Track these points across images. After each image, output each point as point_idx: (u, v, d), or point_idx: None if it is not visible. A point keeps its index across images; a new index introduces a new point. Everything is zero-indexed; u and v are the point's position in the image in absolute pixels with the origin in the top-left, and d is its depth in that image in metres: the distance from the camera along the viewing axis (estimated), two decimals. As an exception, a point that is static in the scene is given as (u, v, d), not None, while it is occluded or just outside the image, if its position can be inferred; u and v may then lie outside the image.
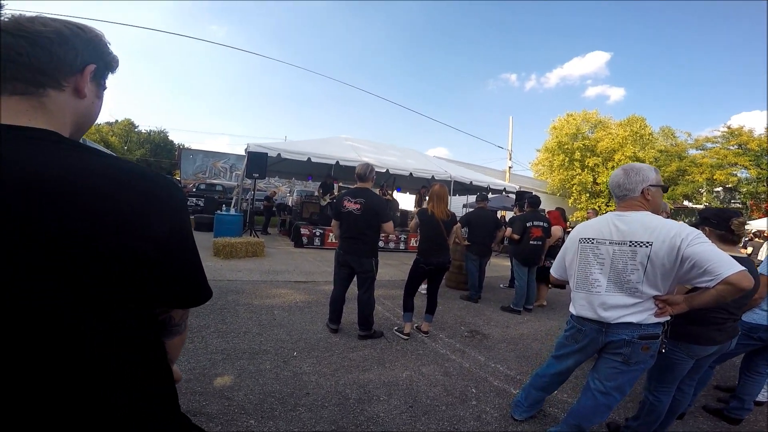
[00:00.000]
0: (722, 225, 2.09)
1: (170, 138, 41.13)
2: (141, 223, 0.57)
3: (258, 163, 8.74)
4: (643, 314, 1.76)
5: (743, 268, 1.51)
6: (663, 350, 1.84)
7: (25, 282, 0.50)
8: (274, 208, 13.56)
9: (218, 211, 8.77)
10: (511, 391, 2.79)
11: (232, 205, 10.28)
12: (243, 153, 9.88)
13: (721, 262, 1.53)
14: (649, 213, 1.81)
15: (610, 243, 1.84)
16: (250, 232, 8.87)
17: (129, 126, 37.77)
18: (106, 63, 0.69)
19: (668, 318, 1.79)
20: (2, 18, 0.60)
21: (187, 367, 2.60)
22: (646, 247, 1.71)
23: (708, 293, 1.60)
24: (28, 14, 0.61)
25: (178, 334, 0.76)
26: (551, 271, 2.24)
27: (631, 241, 1.77)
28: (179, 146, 34.57)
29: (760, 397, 2.79)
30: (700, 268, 1.57)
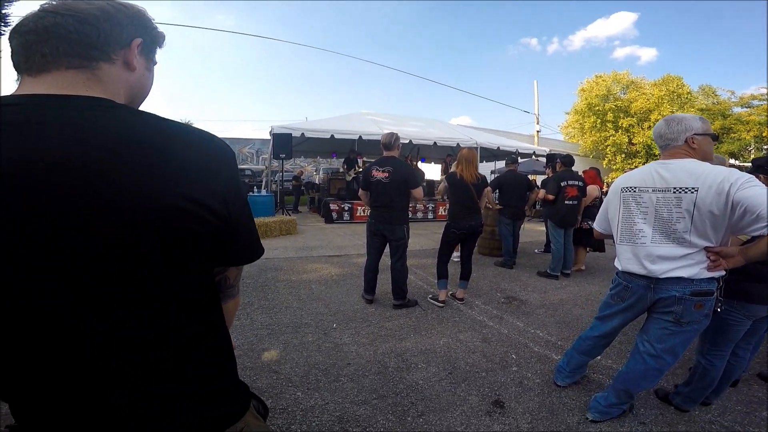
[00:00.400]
0: None
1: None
2: (207, 177, 0.60)
3: (283, 143, 8.84)
4: (695, 268, 1.66)
5: None
6: (719, 309, 1.73)
7: (116, 240, 0.52)
8: (302, 187, 13.76)
9: (251, 193, 8.99)
10: (552, 357, 2.75)
11: (263, 187, 10.50)
12: (267, 137, 10.00)
13: None
14: (696, 160, 1.69)
15: (653, 191, 1.74)
16: (281, 212, 9.07)
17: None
18: (152, 37, 0.71)
19: (723, 273, 1.67)
20: (49, 2, 0.61)
21: (236, 343, 2.74)
22: (692, 193, 1.61)
23: (763, 242, 1.48)
24: None
25: (232, 297, 0.78)
26: (594, 225, 2.14)
27: (675, 188, 1.66)
28: (205, 134, 35.53)
29: None
30: (753, 213, 1.45)
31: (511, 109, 75.98)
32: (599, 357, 2.49)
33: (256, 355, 2.65)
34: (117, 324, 0.56)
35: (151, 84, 0.74)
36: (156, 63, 0.74)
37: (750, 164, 2.18)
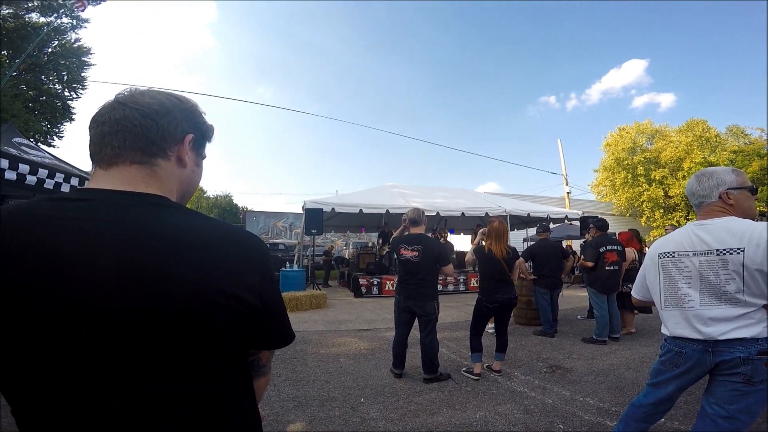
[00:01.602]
0: None
1: (234, 201, 44.76)
2: (242, 271, 0.62)
3: (315, 219, 9.22)
4: (757, 327, 1.53)
5: None
6: None
7: (159, 335, 0.56)
8: (333, 261, 13.93)
9: (283, 269, 9.22)
10: (606, 423, 2.47)
11: (295, 262, 10.74)
12: (299, 211, 10.49)
13: None
14: (735, 218, 1.62)
15: (693, 254, 1.66)
16: (312, 286, 9.14)
17: (199, 192, 41.80)
18: (203, 132, 0.74)
19: None
20: (122, 93, 0.67)
21: (262, 414, 2.63)
22: (738, 254, 1.53)
23: None
24: (141, 88, 0.69)
25: (264, 375, 0.80)
26: (633, 292, 2.04)
27: (718, 250, 1.59)
28: (243, 209, 37.34)
29: None
30: None
31: (539, 172, 76.26)
32: (663, 419, 2.18)
33: (282, 427, 2.55)
34: (225, 369, 0.61)
35: (200, 178, 0.76)
36: (205, 157, 0.76)
37: None
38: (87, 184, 0.65)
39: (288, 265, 9.94)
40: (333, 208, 9.78)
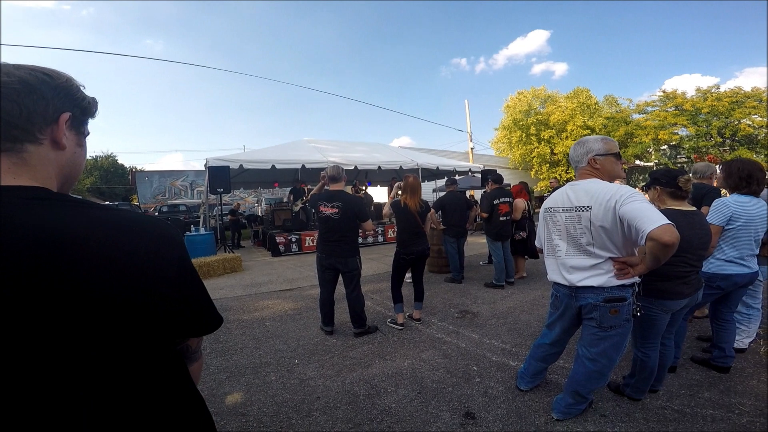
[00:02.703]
0: (671, 183, 2.20)
1: (120, 162, 39.05)
2: (154, 266, 0.58)
3: (220, 177, 8.52)
4: (603, 277, 1.83)
5: (665, 222, 1.54)
6: (638, 314, 1.89)
7: (55, 347, 0.50)
8: (244, 221, 13.22)
9: (187, 233, 8.46)
10: (510, 363, 2.93)
11: (201, 224, 9.95)
12: (202, 168, 9.58)
13: (645, 218, 1.56)
14: (596, 180, 1.89)
15: (563, 210, 1.95)
16: (223, 249, 8.65)
17: (71, 154, 35.55)
18: (83, 109, 0.65)
19: (635, 280, 1.85)
20: None
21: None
22: (587, 210, 1.81)
23: (647, 252, 1.65)
24: None
25: (196, 360, 0.79)
26: (536, 242, 2.32)
27: (576, 206, 1.87)
28: (131, 169, 32.79)
29: (740, 344, 2.92)
30: (632, 226, 1.63)
31: (447, 129, 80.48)
32: (561, 361, 2.66)
33: (219, 400, 2.52)
34: (148, 360, 0.58)
35: (84, 159, 0.69)
36: (88, 134, 0.68)
37: (651, 165, 2.51)
38: None
39: (193, 228, 9.15)
40: (241, 165, 9.15)
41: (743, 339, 2.96)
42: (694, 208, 2.23)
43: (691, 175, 2.41)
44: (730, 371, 2.66)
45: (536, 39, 78.30)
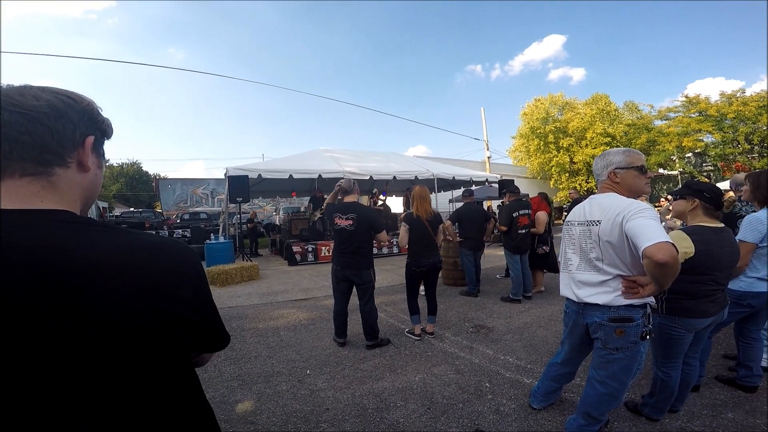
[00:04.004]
0: (716, 200, 2.11)
1: (144, 169, 40.40)
2: (171, 289, 0.60)
3: (240, 186, 8.73)
4: (610, 295, 1.75)
5: (662, 240, 1.45)
6: (647, 336, 1.78)
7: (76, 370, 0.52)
8: (262, 229, 13.46)
9: (207, 241, 8.69)
10: (524, 381, 2.87)
11: (220, 232, 10.19)
12: (222, 177, 9.83)
13: (643, 235, 1.50)
14: (614, 194, 1.82)
15: (578, 224, 1.90)
16: (242, 257, 8.82)
17: (100, 161, 37.11)
18: (102, 131, 0.68)
19: (647, 301, 1.75)
20: None
21: (207, 397, 2.61)
22: (596, 225, 1.76)
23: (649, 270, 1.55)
24: (13, 85, 0.58)
25: (206, 362, 0.84)
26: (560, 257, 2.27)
27: (588, 221, 1.82)
28: (155, 177, 33.84)
29: (766, 363, 2.76)
30: (634, 243, 1.55)
31: (463, 137, 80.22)
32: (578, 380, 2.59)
33: (230, 407, 2.57)
34: (164, 376, 0.61)
35: (101, 182, 0.71)
36: (104, 157, 0.71)
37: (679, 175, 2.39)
38: None
39: (213, 236, 9.38)
40: (259, 174, 9.33)
41: None
42: (723, 225, 2.14)
43: (729, 185, 2.31)
44: (757, 391, 2.54)
45: (552, 44, 77.88)
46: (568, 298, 1.99)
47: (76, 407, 0.53)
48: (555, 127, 23.66)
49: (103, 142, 0.69)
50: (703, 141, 20.22)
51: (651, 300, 1.77)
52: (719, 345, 3.31)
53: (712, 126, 19.33)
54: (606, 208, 1.76)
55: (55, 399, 0.52)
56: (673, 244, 1.47)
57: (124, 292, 0.54)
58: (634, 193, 1.84)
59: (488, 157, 21.72)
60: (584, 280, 1.85)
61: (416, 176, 10.98)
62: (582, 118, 22.78)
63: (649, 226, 1.52)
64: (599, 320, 1.80)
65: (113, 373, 0.56)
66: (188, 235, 13.51)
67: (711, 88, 60.31)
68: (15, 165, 0.55)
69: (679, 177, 21.61)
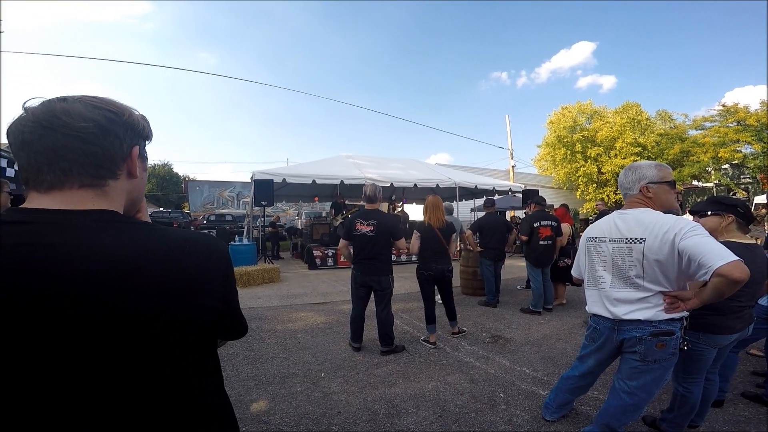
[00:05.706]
0: (748, 215, 2.08)
1: (175, 170, 41.88)
2: (207, 281, 0.66)
3: (265, 190, 8.96)
4: (652, 311, 1.74)
5: (735, 258, 1.46)
6: (685, 348, 1.79)
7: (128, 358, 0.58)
8: (284, 233, 13.72)
9: (232, 242, 8.96)
10: (539, 392, 2.82)
11: (245, 234, 10.46)
12: (247, 180, 10.12)
13: (712, 253, 1.50)
14: (649, 209, 1.79)
15: (610, 241, 1.86)
16: (264, 259, 9.02)
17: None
18: (144, 138, 0.73)
19: (685, 314, 1.75)
20: (31, 106, 0.60)
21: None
22: (640, 243, 1.72)
23: (708, 287, 1.57)
24: (56, 104, 0.61)
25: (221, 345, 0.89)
26: (572, 271, 2.23)
27: (626, 238, 1.78)
28: (185, 178, 35.05)
29: None
30: (695, 261, 1.54)
31: (486, 144, 79.26)
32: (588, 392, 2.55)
33: (245, 406, 2.63)
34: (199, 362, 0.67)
35: (146, 181, 0.77)
36: (146, 157, 0.76)
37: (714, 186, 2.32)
38: (23, 206, 0.61)
39: (237, 238, 9.64)
40: (284, 179, 9.54)
41: None
42: (754, 241, 2.08)
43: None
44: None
45: (581, 51, 75.98)
46: (597, 315, 1.96)
47: (76, 407, 0.56)
48: (583, 135, 22.85)
49: (145, 146, 0.74)
50: (741, 152, 19.17)
51: (686, 313, 1.77)
52: (748, 361, 3.18)
53: (752, 136, 18.29)
54: (648, 225, 1.72)
55: (62, 399, 0.55)
56: (742, 261, 1.49)
57: (158, 289, 0.59)
58: (665, 209, 1.82)
59: (512, 166, 21.39)
60: (621, 298, 1.83)
61: (437, 184, 10.94)
62: (611, 127, 21.95)
63: (714, 244, 1.54)
64: (639, 335, 1.78)
65: (149, 362, 0.60)
66: (214, 236, 13.90)
67: (751, 96, 57.39)
68: (74, 179, 0.61)
69: (715, 189, 20.61)
